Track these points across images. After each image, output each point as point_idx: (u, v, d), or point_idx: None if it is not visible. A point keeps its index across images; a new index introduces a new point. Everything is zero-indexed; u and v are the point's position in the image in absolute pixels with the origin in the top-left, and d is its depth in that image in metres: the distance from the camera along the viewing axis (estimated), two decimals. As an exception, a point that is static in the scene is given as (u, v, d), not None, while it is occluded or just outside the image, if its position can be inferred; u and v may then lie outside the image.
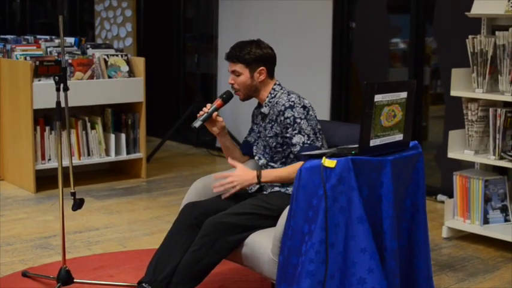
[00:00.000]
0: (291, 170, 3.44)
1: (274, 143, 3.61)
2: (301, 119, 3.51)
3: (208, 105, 3.70)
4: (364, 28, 6.67)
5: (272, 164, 3.67)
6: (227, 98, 3.74)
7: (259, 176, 3.48)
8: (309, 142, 3.49)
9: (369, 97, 2.85)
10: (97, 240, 4.75)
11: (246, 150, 3.85)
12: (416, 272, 3.11)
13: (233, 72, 3.67)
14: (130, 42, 8.06)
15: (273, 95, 3.67)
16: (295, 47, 6.79)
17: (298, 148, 3.49)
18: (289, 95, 3.62)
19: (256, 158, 3.76)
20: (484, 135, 4.73)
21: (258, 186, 3.65)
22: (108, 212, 5.41)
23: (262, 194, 3.62)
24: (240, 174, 3.51)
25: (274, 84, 3.71)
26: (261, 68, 3.65)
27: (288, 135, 3.53)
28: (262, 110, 3.69)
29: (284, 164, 3.61)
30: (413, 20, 5.96)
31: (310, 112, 3.56)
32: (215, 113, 3.69)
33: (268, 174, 3.50)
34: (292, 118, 3.51)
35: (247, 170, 3.53)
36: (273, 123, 3.61)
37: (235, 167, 3.57)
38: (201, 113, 3.68)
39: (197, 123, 3.67)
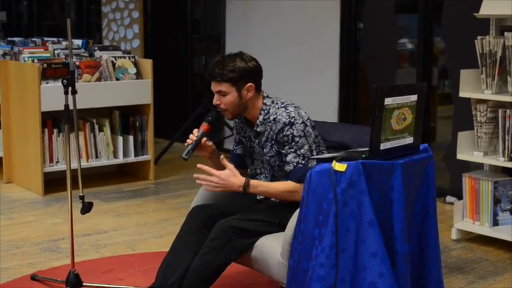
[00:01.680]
0: (279, 189, 3.36)
1: (277, 162, 3.46)
2: (300, 137, 3.35)
3: (195, 131, 3.46)
4: (372, 28, 6.65)
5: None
6: (213, 120, 3.50)
7: (245, 186, 3.33)
8: (303, 163, 3.35)
9: (379, 100, 2.84)
10: (105, 243, 4.75)
11: (239, 164, 3.66)
12: (427, 276, 3.10)
13: (218, 92, 3.41)
14: (138, 43, 8.06)
15: (266, 111, 3.44)
16: (302, 47, 6.78)
17: (291, 167, 3.36)
18: (286, 108, 3.40)
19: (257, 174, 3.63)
20: (493, 137, 4.71)
21: None
22: (117, 214, 5.41)
23: (271, 200, 3.55)
24: (226, 178, 3.33)
25: (263, 98, 3.48)
26: (249, 84, 3.39)
27: (283, 151, 3.39)
28: (259, 129, 3.45)
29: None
30: (421, 20, 5.94)
31: (308, 128, 3.39)
32: (204, 139, 3.46)
33: (256, 185, 3.36)
34: (290, 136, 3.35)
35: (235, 176, 3.35)
36: (272, 142, 3.43)
37: (226, 167, 3.37)
38: (188, 141, 3.45)
39: (186, 154, 3.42)
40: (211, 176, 3.36)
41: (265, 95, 3.50)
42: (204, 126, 3.47)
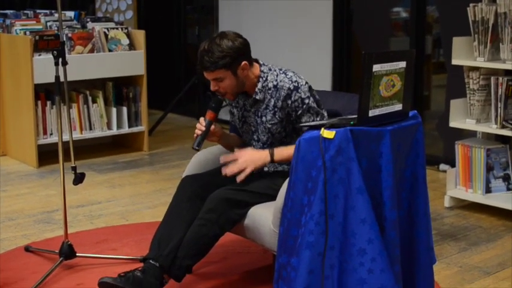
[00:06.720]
0: None
1: (279, 129, 3.46)
2: (308, 97, 3.37)
3: (201, 119, 3.43)
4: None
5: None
6: (217, 106, 3.46)
7: (272, 154, 3.34)
8: (318, 119, 3.39)
9: (367, 67, 2.83)
10: (99, 213, 4.76)
11: (240, 135, 3.69)
12: (417, 242, 3.11)
13: (214, 79, 3.37)
14: (131, 15, 8.01)
15: (264, 79, 3.43)
16: (295, 17, 6.74)
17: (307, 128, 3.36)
18: (286, 74, 3.41)
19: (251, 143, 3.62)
20: (485, 104, 4.71)
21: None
22: (111, 185, 5.42)
23: (265, 172, 3.55)
24: (249, 156, 3.34)
25: (260, 65, 3.46)
26: (243, 63, 3.35)
27: (295, 116, 3.40)
28: (258, 97, 3.43)
29: (283, 143, 3.48)
30: (414, -12, 5.92)
31: (311, 86, 3.43)
32: (212, 126, 3.43)
33: (281, 152, 3.35)
34: (300, 100, 3.36)
35: (256, 151, 3.39)
36: (276, 109, 3.41)
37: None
38: (197, 132, 3.41)
39: (198, 145, 3.41)
40: (236, 161, 3.33)
41: (261, 62, 3.48)
42: (209, 114, 3.44)
